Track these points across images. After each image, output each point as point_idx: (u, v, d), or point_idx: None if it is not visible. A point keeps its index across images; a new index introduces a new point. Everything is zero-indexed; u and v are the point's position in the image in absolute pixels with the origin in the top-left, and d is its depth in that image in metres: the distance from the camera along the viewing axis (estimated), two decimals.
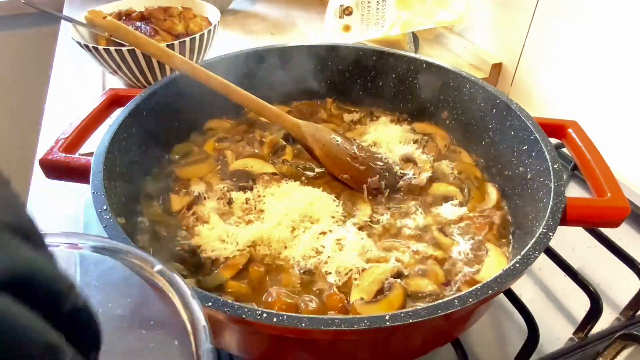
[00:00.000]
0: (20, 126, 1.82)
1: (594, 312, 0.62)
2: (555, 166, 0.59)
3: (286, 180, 0.73)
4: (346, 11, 1.23)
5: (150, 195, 0.71)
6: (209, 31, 1.09)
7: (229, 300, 0.42)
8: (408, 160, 0.79)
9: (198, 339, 0.32)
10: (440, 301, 0.43)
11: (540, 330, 0.57)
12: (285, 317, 0.41)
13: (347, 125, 0.90)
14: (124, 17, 1.19)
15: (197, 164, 0.77)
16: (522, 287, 0.72)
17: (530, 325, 0.58)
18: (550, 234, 0.50)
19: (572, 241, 0.77)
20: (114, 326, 0.38)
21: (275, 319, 0.41)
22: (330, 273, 0.59)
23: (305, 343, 0.48)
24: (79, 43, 1.03)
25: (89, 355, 0.30)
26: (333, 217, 0.67)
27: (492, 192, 0.73)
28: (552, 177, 0.58)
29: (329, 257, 0.61)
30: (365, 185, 0.73)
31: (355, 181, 0.73)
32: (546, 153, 0.61)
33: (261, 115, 0.76)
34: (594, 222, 0.58)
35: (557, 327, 0.66)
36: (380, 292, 0.57)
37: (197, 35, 1.05)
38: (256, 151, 0.81)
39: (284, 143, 0.82)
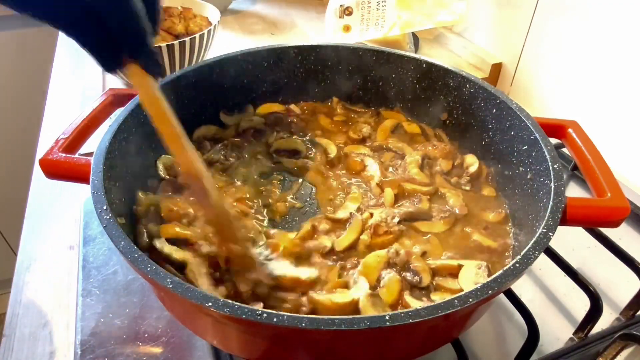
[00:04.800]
0: (20, 126, 1.83)
1: (594, 312, 0.62)
2: (555, 166, 0.59)
3: None
4: (346, 11, 1.23)
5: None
6: (209, 31, 1.09)
7: (229, 300, 0.42)
8: (436, 193, 0.73)
9: None
10: (440, 301, 0.43)
11: (540, 330, 0.57)
12: (285, 317, 0.41)
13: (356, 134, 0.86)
14: None
15: None
16: (522, 287, 0.72)
17: (530, 325, 0.58)
18: (550, 234, 0.50)
19: (572, 241, 0.77)
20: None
21: (275, 319, 0.41)
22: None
23: (305, 343, 0.48)
24: None
25: None
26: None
27: (491, 191, 0.73)
28: (552, 177, 0.57)
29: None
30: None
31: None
32: (546, 153, 0.61)
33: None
34: (594, 222, 0.58)
35: (557, 327, 0.66)
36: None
37: (197, 35, 1.05)
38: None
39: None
